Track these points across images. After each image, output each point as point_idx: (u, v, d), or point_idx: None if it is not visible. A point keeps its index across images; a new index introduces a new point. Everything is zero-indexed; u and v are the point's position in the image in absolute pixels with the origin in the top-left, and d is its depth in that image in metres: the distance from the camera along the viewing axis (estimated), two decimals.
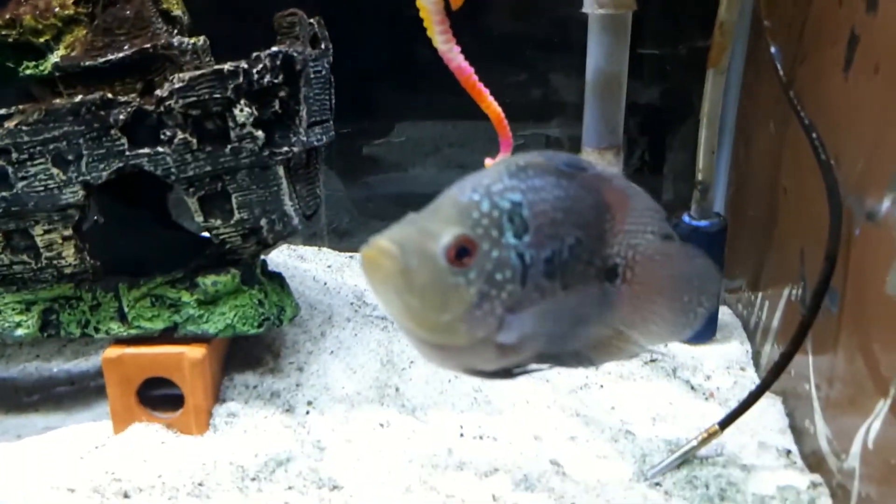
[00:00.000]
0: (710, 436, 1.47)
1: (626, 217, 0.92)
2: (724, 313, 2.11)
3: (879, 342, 1.21)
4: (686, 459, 1.49)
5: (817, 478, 1.41)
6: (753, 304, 1.97)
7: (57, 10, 1.48)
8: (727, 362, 1.89)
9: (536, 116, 2.37)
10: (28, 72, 1.49)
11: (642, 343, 0.95)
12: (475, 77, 1.59)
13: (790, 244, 1.70)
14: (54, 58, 1.49)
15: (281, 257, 2.31)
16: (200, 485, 1.45)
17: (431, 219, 0.82)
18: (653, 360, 1.89)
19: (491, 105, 1.63)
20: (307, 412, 1.68)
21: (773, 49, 1.51)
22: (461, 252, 0.80)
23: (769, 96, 1.86)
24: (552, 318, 0.87)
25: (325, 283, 2.17)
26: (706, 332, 1.96)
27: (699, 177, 1.85)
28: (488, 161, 1.59)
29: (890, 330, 1.16)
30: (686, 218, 1.88)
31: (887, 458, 1.15)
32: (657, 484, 1.45)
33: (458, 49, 1.52)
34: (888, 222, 1.19)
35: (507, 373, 0.91)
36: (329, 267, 2.29)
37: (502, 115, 1.65)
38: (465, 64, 1.55)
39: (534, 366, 0.92)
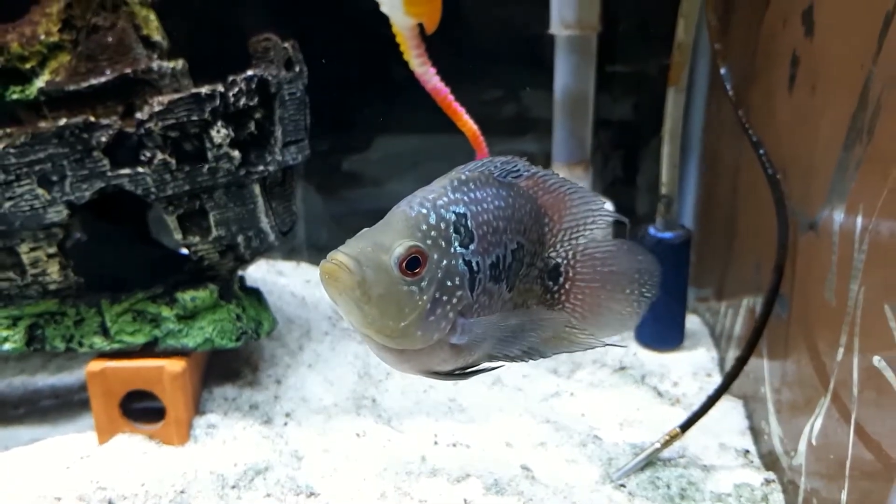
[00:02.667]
0: (672, 438, 1.53)
1: (563, 217, 1.00)
2: (693, 322, 2.18)
3: (822, 344, 1.28)
4: (650, 462, 1.55)
5: (771, 475, 1.48)
6: (719, 313, 2.04)
7: (42, 37, 1.55)
8: (694, 369, 1.96)
9: (510, 132, 2.45)
10: (14, 96, 1.55)
11: (592, 335, 1.03)
12: (451, 97, 1.67)
13: (749, 254, 1.78)
14: (40, 83, 1.55)
15: (260, 272, 2.37)
16: (182, 492, 1.50)
17: (384, 232, 0.89)
18: (622, 369, 1.96)
19: (467, 123, 1.70)
20: (285, 423, 1.73)
21: (722, 70, 1.59)
22: (412, 263, 0.87)
23: (730, 113, 1.94)
24: (497, 319, 0.94)
25: (304, 298, 2.23)
26: (674, 339, 2.03)
27: (663, 190, 1.93)
28: None
29: (829, 332, 1.22)
30: (651, 230, 1.95)
31: (827, 453, 1.21)
32: (622, 485, 1.51)
33: (433, 70, 1.60)
34: (826, 232, 1.26)
35: (462, 373, 0.98)
36: (307, 282, 2.34)
37: (478, 132, 1.72)
38: (441, 84, 1.63)
39: (486, 364, 0.99)
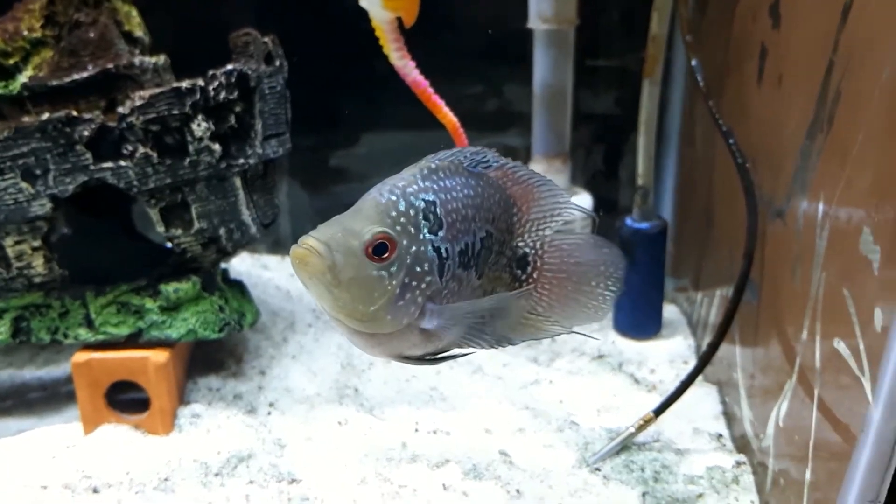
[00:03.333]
0: (646, 423, 1.57)
1: (531, 208, 1.03)
2: (671, 311, 2.22)
3: (789, 328, 1.31)
4: (626, 446, 1.58)
5: (742, 458, 1.51)
6: (695, 302, 2.08)
7: (25, 33, 1.57)
8: (671, 356, 1.99)
9: (490, 127, 2.47)
10: None
11: (560, 324, 1.06)
12: (430, 90, 1.69)
13: (723, 244, 1.81)
14: (23, 78, 1.57)
15: (244, 266, 2.40)
16: (166, 480, 1.52)
17: (354, 218, 0.91)
18: (601, 357, 1.99)
19: (447, 115, 1.73)
20: (269, 413, 1.76)
21: (693, 62, 1.62)
22: (380, 248, 0.90)
23: (702, 107, 1.97)
24: (466, 305, 0.97)
25: (288, 291, 2.25)
26: (652, 328, 2.06)
27: (639, 181, 1.96)
28: None
29: (795, 317, 1.26)
30: (628, 220, 1.99)
31: (793, 434, 1.25)
32: (597, 469, 1.54)
33: (412, 64, 1.62)
34: (792, 219, 1.30)
35: (432, 358, 1.01)
36: (292, 275, 2.37)
37: (458, 124, 1.74)
38: (421, 77, 1.65)
39: (457, 350, 1.02)
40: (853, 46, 1.08)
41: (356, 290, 0.90)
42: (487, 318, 0.99)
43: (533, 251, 1.06)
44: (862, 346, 1.00)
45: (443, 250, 0.94)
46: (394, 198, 0.92)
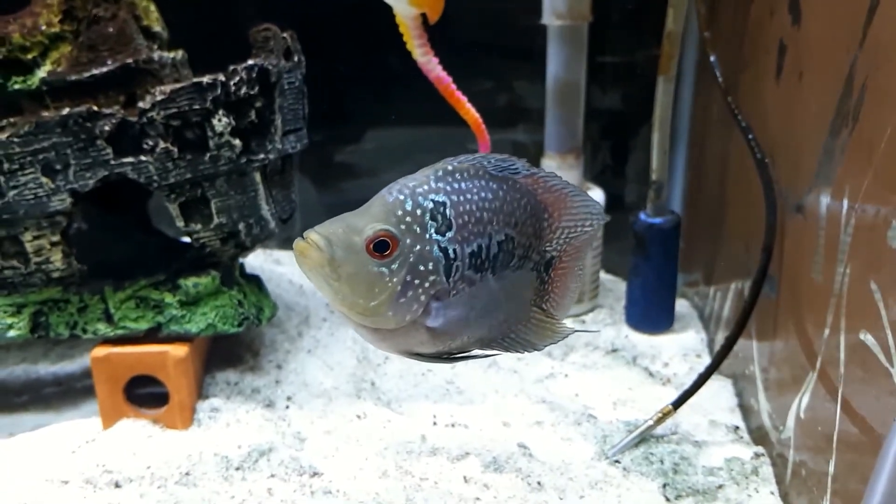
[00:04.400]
0: (665, 415, 1.58)
1: (562, 216, 1.04)
2: (682, 305, 2.23)
3: (809, 322, 1.33)
4: (643, 439, 1.60)
5: (760, 449, 1.53)
6: (708, 296, 2.09)
7: (44, 27, 1.57)
8: (684, 350, 2.01)
9: (503, 122, 2.48)
10: (17, 86, 1.57)
11: (563, 321, 1.08)
12: (454, 86, 1.69)
13: (737, 239, 1.83)
14: (41, 73, 1.57)
15: (257, 261, 2.40)
16: (187, 474, 1.53)
17: (359, 216, 0.93)
18: (614, 351, 2.01)
19: (469, 111, 1.73)
20: (287, 406, 1.77)
21: (712, 58, 1.64)
22: (381, 245, 0.91)
23: (717, 101, 1.99)
24: (479, 306, 0.98)
25: (302, 286, 2.26)
26: (664, 322, 2.08)
27: (653, 176, 1.97)
28: None
29: (817, 310, 1.28)
30: (642, 215, 2.00)
31: (815, 426, 1.26)
32: (616, 461, 1.56)
33: (436, 60, 1.62)
34: (813, 214, 1.31)
35: (449, 357, 1.02)
36: None
37: (480, 120, 1.75)
38: (444, 74, 1.65)
39: (478, 351, 1.03)
40: (881, 41, 1.09)
41: (356, 284, 0.91)
42: (497, 315, 1.01)
43: (558, 254, 1.08)
44: (891, 338, 1.02)
45: (450, 251, 0.94)
46: (402, 197, 0.93)
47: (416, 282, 0.92)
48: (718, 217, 2.00)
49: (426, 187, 0.94)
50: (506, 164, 1.00)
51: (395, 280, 0.91)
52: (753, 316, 1.56)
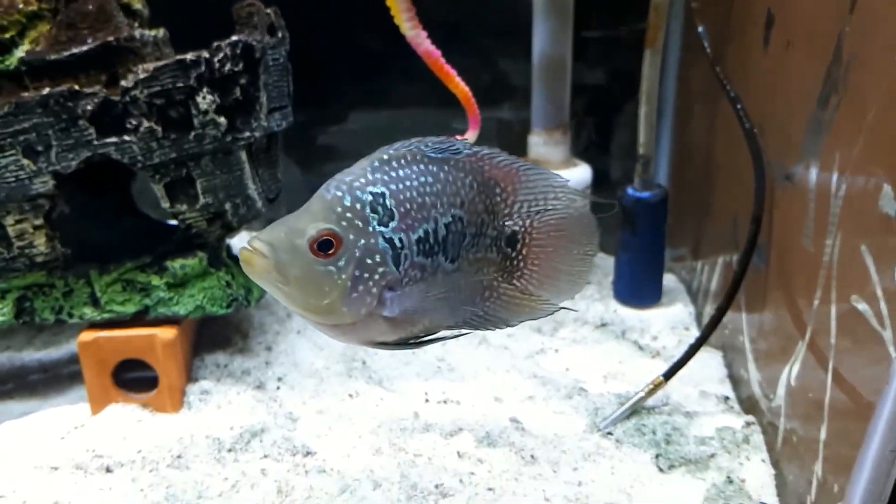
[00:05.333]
0: (656, 387, 1.59)
1: (518, 190, 1.03)
2: (669, 279, 2.24)
3: (799, 290, 1.34)
4: (635, 410, 1.61)
5: (751, 418, 1.55)
6: (695, 270, 2.10)
7: (21, 6, 1.53)
8: (672, 323, 2.02)
9: (488, 100, 2.47)
10: None
11: (551, 301, 1.07)
12: (442, 59, 1.67)
13: (725, 211, 1.84)
14: (20, 52, 1.53)
15: (242, 242, 2.37)
16: (179, 457, 1.52)
17: (299, 217, 0.93)
18: (603, 325, 2.02)
19: (459, 85, 1.71)
20: (278, 387, 1.76)
21: (700, 28, 1.63)
22: (325, 244, 0.91)
23: (703, 73, 1.99)
24: (434, 290, 0.98)
25: None
26: (653, 296, 2.09)
27: (640, 150, 1.97)
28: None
29: (806, 278, 1.28)
30: (629, 190, 2.00)
31: (806, 393, 1.28)
32: (609, 433, 1.57)
33: (424, 34, 1.60)
34: (802, 183, 1.32)
35: (415, 341, 1.02)
36: None
37: (470, 94, 1.73)
38: (433, 48, 1.63)
39: (445, 332, 1.03)
40: (870, 9, 1.09)
41: (305, 286, 0.91)
42: (457, 296, 1.00)
43: (522, 229, 1.06)
44: (882, 301, 1.03)
45: (396, 240, 0.94)
46: (339, 193, 0.92)
47: (366, 275, 0.93)
48: (705, 190, 2.01)
49: (363, 180, 0.93)
50: (444, 145, 0.99)
51: (343, 277, 0.91)
52: (743, 287, 1.57)
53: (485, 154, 1.01)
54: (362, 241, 0.92)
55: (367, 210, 0.92)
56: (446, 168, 0.98)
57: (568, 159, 2.17)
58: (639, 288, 2.06)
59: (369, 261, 0.93)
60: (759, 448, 1.48)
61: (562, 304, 1.08)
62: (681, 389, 1.69)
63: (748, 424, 1.53)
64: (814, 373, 1.26)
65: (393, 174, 0.95)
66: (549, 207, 1.05)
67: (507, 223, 1.05)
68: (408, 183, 0.95)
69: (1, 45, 1.53)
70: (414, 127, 2.60)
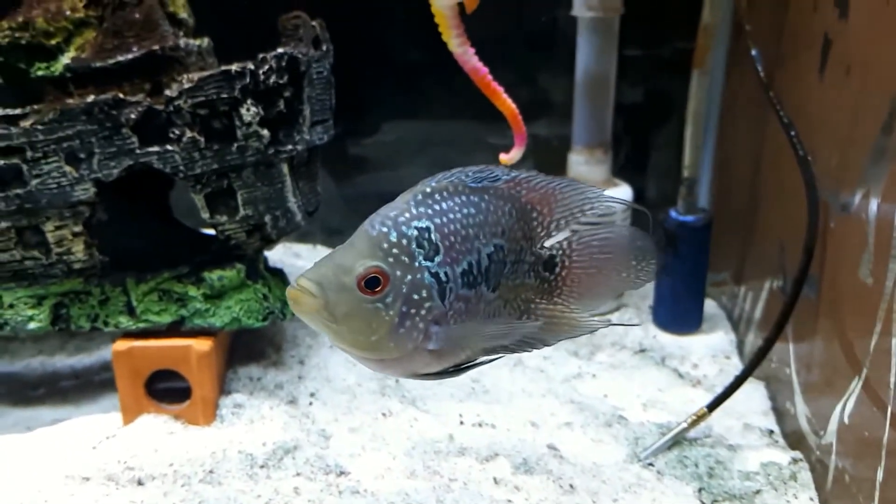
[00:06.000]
0: (699, 418, 1.55)
1: (553, 210, 1.02)
2: (710, 305, 2.19)
3: (853, 325, 1.29)
4: (676, 441, 1.56)
5: (797, 454, 1.49)
6: (737, 296, 2.05)
7: (68, 13, 1.53)
8: (713, 351, 1.97)
9: (529, 116, 2.44)
10: (40, 73, 1.53)
11: (588, 317, 1.06)
12: (490, 77, 1.65)
13: (770, 237, 1.79)
14: (65, 59, 1.53)
15: (277, 255, 2.36)
16: (211, 472, 1.50)
17: (346, 253, 0.92)
18: (642, 351, 1.97)
19: (506, 102, 1.69)
20: (310, 403, 1.73)
21: (753, 51, 1.59)
22: (373, 282, 0.90)
23: (749, 96, 1.94)
24: (477, 322, 0.97)
25: None
26: (693, 322, 2.04)
27: (685, 173, 1.93)
28: (503, 156, 1.65)
29: (862, 313, 1.24)
30: (673, 213, 1.96)
31: (861, 431, 1.23)
32: (650, 464, 1.52)
33: (472, 51, 1.58)
34: (860, 213, 1.27)
35: (455, 370, 1.01)
36: None
37: (517, 112, 1.71)
38: (480, 64, 1.61)
39: (484, 358, 1.02)
40: None
41: (353, 323, 0.91)
42: (500, 336, 0.99)
43: (561, 251, 1.06)
44: None
45: (441, 274, 0.93)
46: (385, 229, 0.92)
47: (413, 311, 0.92)
48: (749, 215, 1.96)
49: (407, 215, 0.93)
50: (484, 174, 0.99)
51: (391, 313, 0.91)
52: (791, 318, 1.52)
53: (522, 178, 1.00)
54: (409, 277, 0.91)
55: (413, 245, 0.92)
56: (486, 197, 0.98)
57: (608, 179, 2.13)
58: (679, 313, 2.02)
59: (416, 296, 0.92)
60: (808, 486, 1.42)
61: (605, 322, 1.07)
62: (723, 421, 1.64)
63: (795, 461, 1.48)
64: (870, 410, 1.21)
65: (437, 207, 0.94)
66: (587, 221, 1.04)
67: (545, 246, 1.04)
68: (451, 216, 0.95)
69: (47, 51, 1.53)
70: (450, 140, 2.58)
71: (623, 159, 2.50)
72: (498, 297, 1.01)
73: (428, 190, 0.96)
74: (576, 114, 2.05)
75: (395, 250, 0.91)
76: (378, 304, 0.90)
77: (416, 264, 0.92)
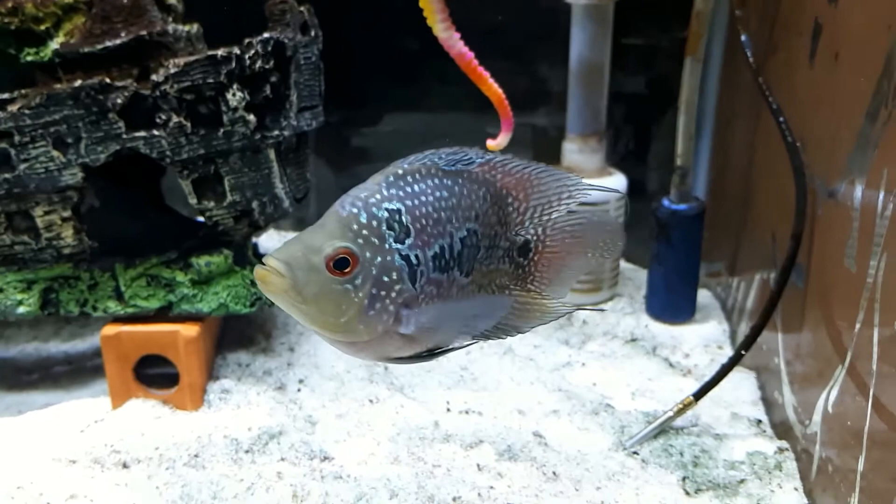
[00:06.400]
0: (685, 407, 1.54)
1: (530, 196, 1.02)
2: (704, 295, 2.18)
3: (839, 313, 1.27)
4: (663, 430, 1.55)
5: (784, 444, 1.48)
6: (731, 286, 2.04)
7: None
8: (705, 341, 1.96)
9: (523, 105, 2.42)
10: (29, 58, 1.54)
11: (562, 303, 1.07)
12: (476, 62, 1.64)
13: (763, 227, 1.77)
14: (54, 44, 1.53)
15: (271, 242, 2.37)
16: (196, 456, 1.50)
17: (315, 234, 0.91)
18: (633, 340, 1.96)
19: (492, 87, 1.67)
20: (298, 389, 1.74)
21: (743, 37, 1.58)
22: (341, 262, 0.89)
23: (745, 84, 1.92)
24: (449, 309, 0.96)
25: None
26: (686, 312, 2.03)
27: (678, 162, 1.92)
28: (490, 142, 1.64)
29: (848, 301, 1.22)
30: (665, 201, 1.95)
31: (844, 421, 1.22)
32: (635, 453, 1.51)
33: (457, 35, 1.57)
34: (845, 201, 1.26)
35: (429, 354, 1.00)
36: None
37: (503, 96, 1.69)
38: (466, 49, 1.60)
39: (456, 344, 1.01)
40: None
41: (322, 304, 0.90)
42: (471, 318, 0.99)
43: (535, 237, 1.05)
44: None
45: (412, 257, 0.92)
46: (355, 210, 0.91)
47: (383, 293, 0.91)
48: (744, 205, 1.94)
49: (378, 196, 0.92)
50: (458, 156, 0.97)
51: (360, 295, 0.90)
52: (779, 306, 1.51)
53: (497, 162, 0.99)
54: (379, 259, 0.91)
55: (384, 227, 0.91)
56: (461, 181, 0.97)
57: (603, 168, 2.12)
58: (672, 303, 2.00)
59: (386, 278, 0.91)
60: (793, 476, 1.41)
61: (566, 307, 1.07)
62: (711, 410, 1.63)
63: (781, 450, 1.47)
64: (853, 399, 1.20)
65: (408, 189, 0.93)
66: (563, 208, 1.03)
67: (520, 232, 1.04)
68: (423, 198, 0.94)
69: (36, 36, 1.54)
70: (449, 130, 2.57)
71: (623, 149, 2.49)
72: (471, 282, 1.00)
73: (400, 172, 0.95)
74: (570, 103, 2.04)
75: (364, 231, 0.90)
76: (347, 286, 0.89)
77: (387, 246, 0.91)
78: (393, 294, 0.92)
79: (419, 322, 0.94)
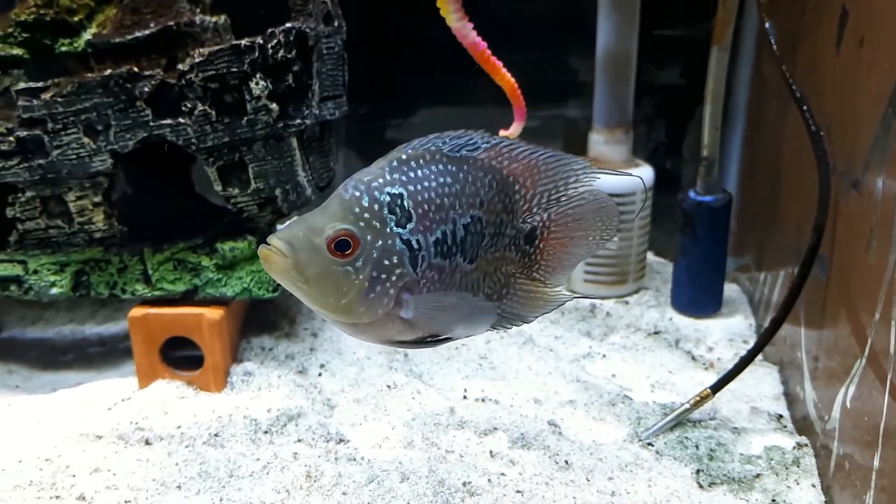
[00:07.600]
0: (702, 399, 1.52)
1: (537, 182, 1.01)
2: (733, 290, 2.14)
3: (860, 305, 1.24)
4: (680, 423, 1.54)
5: (803, 440, 1.46)
6: (758, 281, 2.00)
7: None
8: (730, 335, 1.93)
9: (549, 97, 2.41)
10: (63, 48, 1.59)
11: (559, 290, 1.07)
12: (489, 51, 1.65)
13: (790, 219, 1.74)
14: (87, 35, 1.59)
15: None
16: (216, 435, 1.54)
17: (318, 216, 0.92)
18: (656, 333, 1.94)
19: (505, 76, 1.68)
20: (319, 374, 1.77)
21: (767, 24, 1.54)
22: (343, 244, 0.90)
23: (774, 73, 1.88)
24: (451, 293, 0.97)
25: None
26: (711, 306, 2.00)
27: (704, 153, 1.89)
28: (503, 132, 1.65)
29: (867, 294, 1.19)
30: (692, 193, 1.92)
31: (861, 416, 1.19)
32: (649, 444, 1.50)
33: (470, 25, 1.58)
34: (867, 191, 1.23)
35: (433, 340, 1.01)
36: None
37: (516, 86, 1.70)
38: (478, 39, 1.61)
39: (461, 331, 1.01)
40: None
41: (323, 285, 0.91)
42: (462, 316, 0.99)
43: (542, 223, 1.05)
44: None
45: (413, 242, 0.93)
46: (357, 193, 0.92)
47: (383, 276, 0.92)
48: (772, 197, 1.90)
49: (381, 180, 0.93)
50: (462, 140, 0.97)
51: (360, 277, 0.91)
52: (802, 299, 1.48)
53: (503, 147, 0.99)
54: (380, 242, 0.92)
55: (385, 211, 0.92)
56: (465, 167, 0.97)
57: (629, 159, 2.10)
58: (697, 296, 1.98)
59: (386, 262, 0.92)
60: (810, 472, 1.39)
61: (574, 295, 1.06)
62: (732, 404, 1.61)
63: (800, 446, 1.44)
64: (870, 395, 1.17)
65: (411, 174, 0.94)
66: (570, 193, 1.03)
67: (527, 219, 1.04)
68: (426, 184, 0.94)
69: (70, 27, 1.59)
70: (478, 122, 2.56)
71: (653, 142, 2.46)
72: (476, 269, 1.00)
73: (403, 157, 0.95)
74: (596, 93, 2.03)
75: (366, 215, 0.91)
76: (348, 268, 0.91)
77: (388, 230, 0.92)
78: (393, 278, 0.93)
79: (420, 306, 0.95)
